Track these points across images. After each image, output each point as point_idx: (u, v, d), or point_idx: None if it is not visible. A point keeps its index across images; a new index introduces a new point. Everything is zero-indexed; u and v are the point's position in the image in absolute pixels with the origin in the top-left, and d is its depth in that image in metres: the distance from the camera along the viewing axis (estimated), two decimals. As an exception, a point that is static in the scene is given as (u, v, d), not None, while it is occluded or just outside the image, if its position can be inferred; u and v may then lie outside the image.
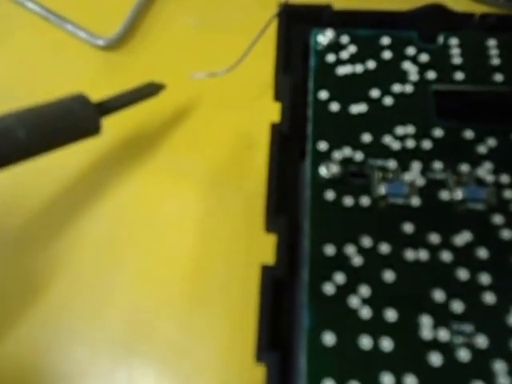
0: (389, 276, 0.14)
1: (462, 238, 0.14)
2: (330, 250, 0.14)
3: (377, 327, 0.13)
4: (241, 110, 0.22)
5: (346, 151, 0.16)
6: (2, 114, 0.18)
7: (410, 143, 0.16)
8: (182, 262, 0.19)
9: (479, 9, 0.24)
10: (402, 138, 0.16)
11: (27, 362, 0.18)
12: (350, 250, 0.14)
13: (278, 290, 0.14)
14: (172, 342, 0.18)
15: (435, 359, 0.13)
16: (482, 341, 0.13)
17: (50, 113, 0.19)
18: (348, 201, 0.15)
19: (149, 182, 0.21)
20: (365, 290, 0.14)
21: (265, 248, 0.16)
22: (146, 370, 0.18)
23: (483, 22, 0.18)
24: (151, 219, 0.20)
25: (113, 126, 0.21)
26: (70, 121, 0.19)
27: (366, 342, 0.13)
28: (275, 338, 0.13)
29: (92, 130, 0.20)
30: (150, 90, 0.21)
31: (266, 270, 0.14)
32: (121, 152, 0.22)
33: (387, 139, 0.16)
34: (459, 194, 0.15)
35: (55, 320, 0.19)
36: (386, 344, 0.13)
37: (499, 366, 0.13)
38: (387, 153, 0.16)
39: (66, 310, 0.19)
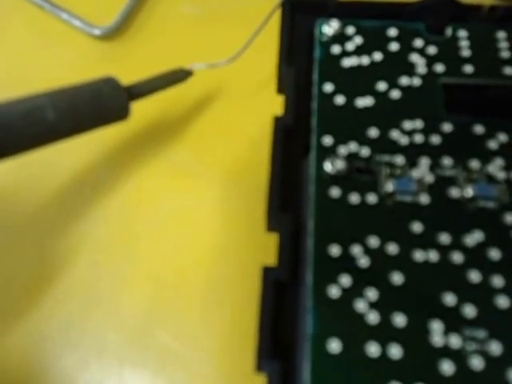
0: (397, 278, 0.14)
1: (473, 238, 0.14)
2: (335, 250, 0.14)
3: (385, 333, 0.13)
4: (242, 103, 0.22)
5: (352, 146, 0.16)
6: (32, 94, 0.18)
7: (419, 138, 0.16)
8: (177, 264, 0.19)
9: (487, 1, 0.23)
10: (409, 133, 0.16)
11: (14, 370, 0.17)
12: (356, 250, 0.14)
13: (279, 293, 0.13)
14: (166, 349, 0.17)
15: (446, 367, 0.12)
16: (495, 348, 0.13)
17: (80, 95, 0.18)
18: (354, 198, 0.15)
19: (145, 178, 0.21)
20: (372, 294, 0.13)
21: (267, 248, 0.15)
22: (138, 380, 0.17)
23: (492, 14, 0.18)
24: (147, 218, 0.20)
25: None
26: (99, 104, 0.19)
27: (373, 349, 0.13)
28: (277, 345, 0.13)
29: (121, 114, 0.19)
30: (178, 76, 0.21)
31: (267, 272, 0.14)
32: (116, 147, 0.21)
33: (395, 134, 0.16)
34: (470, 192, 0.15)
35: (43, 325, 0.18)
36: (395, 351, 0.13)
37: (515, 375, 0.12)
38: (395, 148, 0.16)
39: (54, 315, 0.18)
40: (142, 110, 0.22)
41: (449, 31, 0.17)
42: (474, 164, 0.15)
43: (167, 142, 0.21)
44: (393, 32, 0.17)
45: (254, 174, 0.20)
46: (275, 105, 0.17)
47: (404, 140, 0.16)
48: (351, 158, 0.15)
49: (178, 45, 0.24)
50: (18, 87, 0.19)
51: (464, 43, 0.17)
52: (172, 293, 0.18)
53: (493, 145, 0.15)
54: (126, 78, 0.20)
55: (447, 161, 0.15)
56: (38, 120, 0.17)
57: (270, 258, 0.14)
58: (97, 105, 0.19)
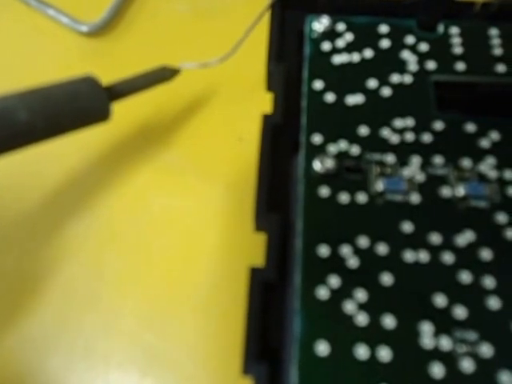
0: (387, 279, 0.13)
1: (465, 238, 0.14)
2: (323, 250, 0.14)
3: (374, 335, 0.13)
4: (233, 103, 0.22)
5: (342, 145, 0.15)
6: (2, 94, 0.17)
7: (409, 136, 0.15)
8: (165, 264, 0.19)
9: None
10: (400, 131, 0.16)
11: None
12: (346, 250, 0.14)
13: (267, 295, 0.13)
14: (153, 350, 0.17)
15: (437, 370, 0.12)
16: (486, 350, 0.13)
17: (55, 94, 0.18)
18: (343, 197, 0.15)
19: (135, 179, 0.20)
20: (361, 295, 0.13)
21: (254, 248, 0.15)
22: (125, 381, 0.17)
23: (484, 11, 0.18)
24: (137, 219, 0.20)
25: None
26: (76, 104, 0.18)
27: (362, 351, 0.13)
28: (264, 347, 0.13)
29: (101, 115, 0.19)
30: (163, 75, 0.20)
31: (254, 273, 0.13)
32: (106, 147, 0.21)
33: (385, 132, 0.16)
34: (461, 191, 0.14)
35: (29, 327, 0.18)
36: (384, 353, 0.13)
37: (505, 378, 0.12)
38: (385, 146, 0.15)
39: (40, 317, 0.18)
40: (132, 109, 0.21)
41: (441, 28, 0.17)
42: (466, 163, 0.15)
43: (157, 142, 0.21)
44: (384, 29, 0.17)
45: (244, 173, 0.20)
46: (267, 104, 0.16)
47: (395, 138, 0.15)
48: (341, 156, 0.15)
49: (168, 43, 0.23)
50: (3, 85, 0.19)
51: (456, 40, 0.17)
52: (160, 293, 0.18)
53: (484, 143, 0.15)
54: (114, 76, 0.20)
55: (438, 159, 0.15)
56: (9, 122, 0.17)
57: (260, 259, 0.14)
58: (74, 105, 0.18)
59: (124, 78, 0.20)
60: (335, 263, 0.14)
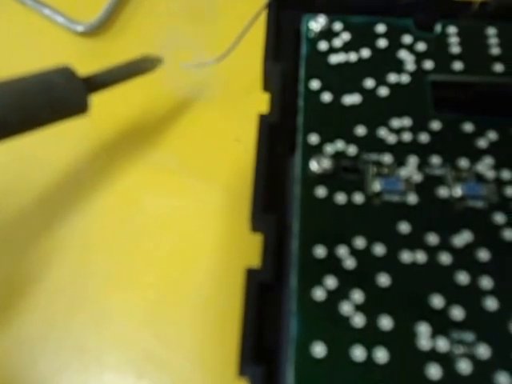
0: (384, 280, 0.13)
1: (462, 239, 0.14)
2: (320, 251, 0.14)
3: (370, 336, 0.13)
4: (229, 103, 0.22)
5: (339, 145, 0.15)
6: None
7: (407, 136, 0.15)
8: (161, 265, 0.18)
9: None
10: (397, 131, 0.15)
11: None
12: (342, 251, 0.14)
13: (263, 296, 0.13)
14: (147, 352, 0.17)
15: (434, 371, 0.12)
16: (483, 351, 0.12)
17: (29, 85, 0.17)
18: (340, 198, 0.15)
19: (130, 178, 0.20)
20: (358, 296, 0.13)
21: (251, 249, 0.15)
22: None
23: (482, 10, 0.18)
24: (132, 220, 0.19)
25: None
26: (51, 95, 0.17)
27: (358, 353, 0.12)
28: (260, 349, 0.13)
29: (78, 107, 0.18)
30: (145, 65, 0.20)
31: (250, 274, 0.13)
32: (100, 146, 0.21)
33: (382, 132, 0.15)
34: (458, 191, 0.14)
35: (24, 328, 0.18)
36: (381, 355, 0.12)
37: (503, 379, 0.12)
38: (382, 146, 0.15)
39: (35, 317, 0.18)
40: (127, 109, 0.21)
41: (438, 28, 0.17)
42: (463, 163, 0.15)
43: (154, 142, 0.21)
44: (381, 28, 0.17)
45: (241, 173, 0.20)
46: (263, 104, 0.16)
47: (392, 138, 0.15)
48: (338, 156, 0.15)
49: (165, 42, 0.23)
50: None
51: (453, 40, 0.17)
52: (157, 294, 0.18)
53: (482, 143, 0.15)
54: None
55: (436, 159, 0.15)
56: None
57: (257, 260, 0.14)
58: (49, 96, 0.17)
59: (103, 69, 0.19)
60: (332, 264, 0.14)
